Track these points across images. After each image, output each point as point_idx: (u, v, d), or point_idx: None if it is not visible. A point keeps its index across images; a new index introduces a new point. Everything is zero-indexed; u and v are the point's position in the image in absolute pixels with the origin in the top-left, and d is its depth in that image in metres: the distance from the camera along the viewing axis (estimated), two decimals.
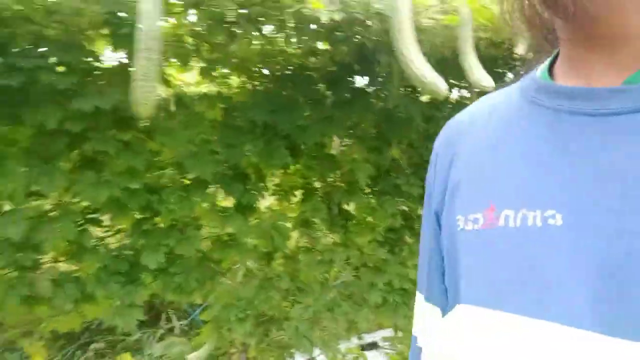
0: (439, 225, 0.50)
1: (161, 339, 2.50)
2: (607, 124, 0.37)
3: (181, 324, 2.59)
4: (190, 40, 1.80)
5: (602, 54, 0.39)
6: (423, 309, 0.54)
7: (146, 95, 1.02)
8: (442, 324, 0.50)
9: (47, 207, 1.55)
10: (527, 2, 0.39)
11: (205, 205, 1.76)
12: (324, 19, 1.34)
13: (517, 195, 0.40)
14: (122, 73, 1.64)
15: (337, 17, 1.45)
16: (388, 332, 2.46)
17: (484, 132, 0.46)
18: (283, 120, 1.79)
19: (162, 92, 1.73)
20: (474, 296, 0.41)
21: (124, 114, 1.59)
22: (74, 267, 1.66)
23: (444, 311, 0.50)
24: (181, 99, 1.75)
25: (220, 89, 1.83)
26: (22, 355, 1.92)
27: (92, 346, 2.40)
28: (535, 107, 0.42)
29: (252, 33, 1.74)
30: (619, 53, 0.38)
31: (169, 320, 2.59)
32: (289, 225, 1.87)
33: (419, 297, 0.55)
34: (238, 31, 1.68)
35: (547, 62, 0.45)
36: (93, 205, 1.60)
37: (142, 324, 2.68)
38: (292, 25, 1.70)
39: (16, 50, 1.43)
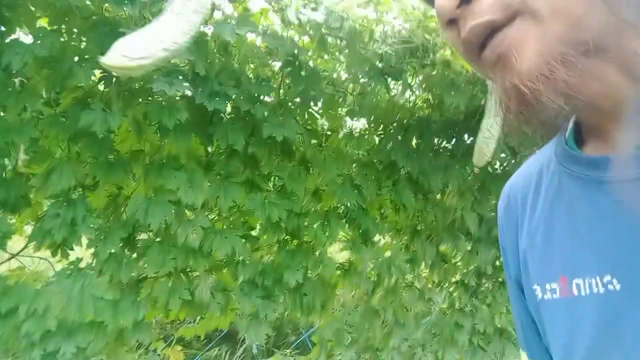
0: (522, 290, 0.53)
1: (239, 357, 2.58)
2: (629, 191, 0.38)
3: (257, 345, 2.66)
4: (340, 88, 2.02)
5: (610, 123, 0.40)
6: None
7: (487, 149, 1.21)
8: None
9: (215, 219, 1.70)
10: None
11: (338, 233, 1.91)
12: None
13: (578, 264, 0.42)
14: (283, 107, 1.84)
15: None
16: None
17: (537, 202, 0.49)
18: (412, 164, 1.99)
19: (310, 129, 1.92)
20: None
21: (289, 145, 1.78)
22: (212, 278, 1.78)
23: None
24: (328, 137, 1.94)
25: (359, 132, 2.02)
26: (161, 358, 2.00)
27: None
28: (570, 178, 0.45)
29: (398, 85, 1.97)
30: (624, 121, 0.39)
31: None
32: (405, 260, 2.02)
33: (523, 355, 0.58)
34: (393, 82, 1.90)
35: (572, 124, 0.47)
36: (251, 222, 1.75)
37: (220, 341, 2.75)
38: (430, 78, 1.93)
39: (216, 79, 1.62)
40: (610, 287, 0.39)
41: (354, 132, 1.97)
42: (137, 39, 0.55)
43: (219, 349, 2.62)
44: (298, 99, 1.88)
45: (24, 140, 1.42)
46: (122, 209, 1.68)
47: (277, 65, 1.93)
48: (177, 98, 1.60)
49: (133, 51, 0.53)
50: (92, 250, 1.60)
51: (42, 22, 1.62)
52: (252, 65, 1.77)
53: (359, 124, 2.07)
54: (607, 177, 0.40)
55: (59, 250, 1.61)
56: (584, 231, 0.42)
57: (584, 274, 0.41)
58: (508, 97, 0.37)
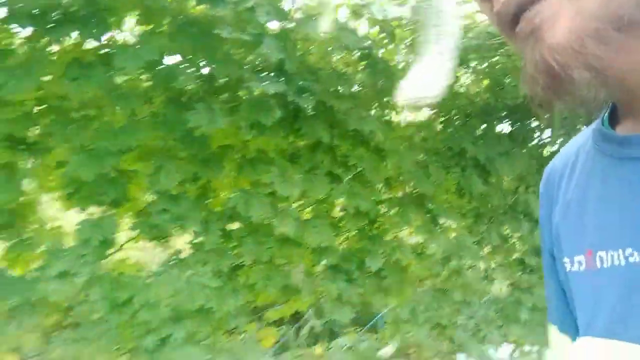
0: (555, 262, 0.56)
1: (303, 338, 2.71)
2: None
3: (322, 323, 2.79)
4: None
5: None
6: (557, 340, 0.58)
7: None
8: (570, 355, 0.55)
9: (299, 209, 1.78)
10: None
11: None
12: None
13: (603, 238, 0.44)
14: (358, 100, 1.90)
15: None
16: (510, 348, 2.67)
17: (572, 180, 0.52)
18: (479, 150, 2.05)
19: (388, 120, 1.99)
20: (588, 328, 0.47)
21: (368, 136, 1.85)
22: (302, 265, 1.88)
23: (573, 338, 0.55)
24: (397, 125, 2.01)
25: (424, 119, 2.09)
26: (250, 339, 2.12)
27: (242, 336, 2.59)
28: (603, 156, 0.46)
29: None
30: None
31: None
32: (473, 242, 2.10)
33: (553, 329, 0.60)
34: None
35: (609, 106, 0.48)
36: (332, 211, 1.83)
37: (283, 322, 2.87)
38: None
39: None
40: (631, 259, 0.41)
41: (420, 121, 2.03)
42: (424, 81, 0.63)
43: (288, 328, 2.76)
44: (369, 90, 1.94)
45: (134, 141, 1.50)
46: (212, 201, 1.78)
47: (338, 57, 1.99)
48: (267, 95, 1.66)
49: (425, 92, 0.61)
50: (189, 240, 1.70)
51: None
52: (332, 59, 1.84)
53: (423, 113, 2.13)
54: (636, 154, 0.42)
55: (161, 242, 1.72)
56: (613, 207, 0.44)
57: (608, 247, 0.43)
58: (537, 71, 0.37)
